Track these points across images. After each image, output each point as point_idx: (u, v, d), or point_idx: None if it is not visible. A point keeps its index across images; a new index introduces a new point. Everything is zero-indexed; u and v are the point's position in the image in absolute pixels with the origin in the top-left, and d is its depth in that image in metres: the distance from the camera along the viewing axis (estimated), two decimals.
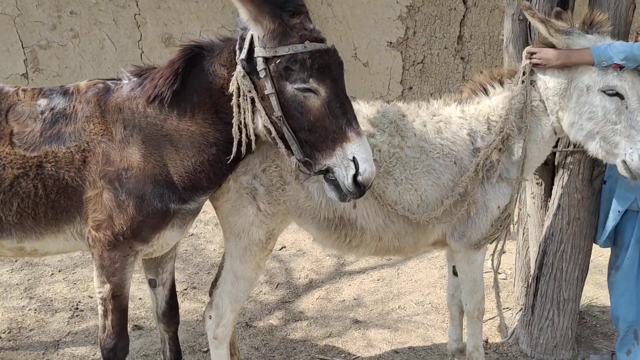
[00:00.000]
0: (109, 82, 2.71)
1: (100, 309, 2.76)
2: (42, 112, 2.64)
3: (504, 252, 5.15)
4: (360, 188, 2.39)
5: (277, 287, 4.66)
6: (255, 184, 2.86)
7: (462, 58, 9.00)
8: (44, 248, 2.81)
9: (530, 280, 3.75)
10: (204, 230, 5.60)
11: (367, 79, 8.47)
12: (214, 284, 3.14)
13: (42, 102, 2.67)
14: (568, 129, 2.95)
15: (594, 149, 2.90)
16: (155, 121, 2.59)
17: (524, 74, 2.98)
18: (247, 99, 2.45)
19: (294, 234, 5.47)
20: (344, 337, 4.00)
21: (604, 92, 2.81)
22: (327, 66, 2.36)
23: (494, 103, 3.07)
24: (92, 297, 4.39)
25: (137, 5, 6.98)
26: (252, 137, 2.54)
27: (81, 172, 2.60)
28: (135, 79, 2.68)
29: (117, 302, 2.73)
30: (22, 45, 6.66)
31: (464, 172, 2.96)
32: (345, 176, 2.37)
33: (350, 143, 2.35)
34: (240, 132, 2.52)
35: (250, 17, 2.35)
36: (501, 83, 3.10)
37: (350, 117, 2.38)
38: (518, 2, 3.34)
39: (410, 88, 8.76)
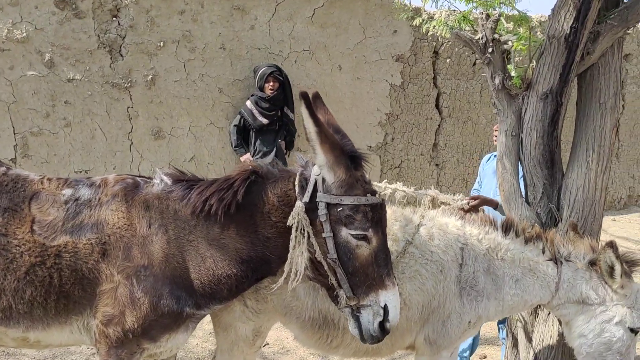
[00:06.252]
0: (138, 179, 2.74)
1: None
2: (66, 202, 2.64)
3: (484, 357, 5.25)
4: (385, 333, 2.50)
5: None
6: None
7: (436, 164, 9.38)
8: (47, 339, 2.73)
9: None
10: None
11: None
12: None
13: (67, 192, 2.67)
14: (573, 336, 3.10)
15: None
16: (184, 225, 2.60)
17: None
18: (304, 234, 2.51)
19: (277, 331, 5.41)
20: None
21: (631, 330, 2.99)
22: (380, 219, 2.51)
23: (507, 245, 3.10)
24: None
25: (131, 99, 7.20)
26: (302, 271, 2.56)
27: (99, 264, 2.57)
28: (170, 182, 2.69)
29: None
30: (13, 131, 6.74)
31: (448, 281, 3.03)
32: (371, 322, 2.48)
33: (385, 291, 2.48)
34: (292, 264, 2.55)
35: (326, 164, 2.45)
36: (529, 239, 3.11)
37: (390, 267, 2.52)
38: (511, 120, 3.61)
39: None
